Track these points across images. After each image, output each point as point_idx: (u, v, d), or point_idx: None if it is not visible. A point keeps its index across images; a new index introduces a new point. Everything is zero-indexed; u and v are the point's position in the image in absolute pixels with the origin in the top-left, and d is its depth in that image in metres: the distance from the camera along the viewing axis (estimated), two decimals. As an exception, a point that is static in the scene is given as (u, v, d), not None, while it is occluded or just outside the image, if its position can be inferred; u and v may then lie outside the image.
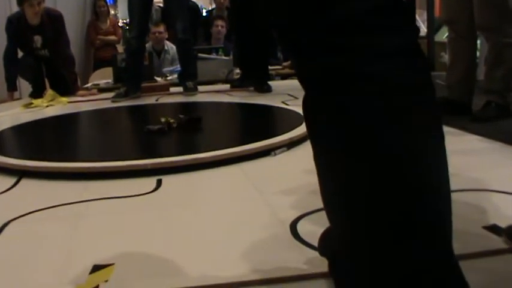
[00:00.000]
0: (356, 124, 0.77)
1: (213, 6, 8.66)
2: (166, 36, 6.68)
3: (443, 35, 5.83)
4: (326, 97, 0.80)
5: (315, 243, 1.28)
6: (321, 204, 1.65)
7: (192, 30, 5.24)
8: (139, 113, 4.33)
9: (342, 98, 0.78)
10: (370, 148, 0.77)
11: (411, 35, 0.81)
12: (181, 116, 3.16)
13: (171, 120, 3.07)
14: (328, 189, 0.87)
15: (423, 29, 5.90)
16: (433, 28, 5.76)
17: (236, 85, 5.19)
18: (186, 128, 3.04)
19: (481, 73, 3.51)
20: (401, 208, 0.77)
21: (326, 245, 1.11)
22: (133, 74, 5.05)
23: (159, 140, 2.93)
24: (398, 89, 0.77)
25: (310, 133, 0.89)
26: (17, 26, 5.24)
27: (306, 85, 0.85)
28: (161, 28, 6.58)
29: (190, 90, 4.98)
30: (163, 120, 3.06)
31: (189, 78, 5.06)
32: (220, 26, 7.20)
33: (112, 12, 9.57)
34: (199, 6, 8.40)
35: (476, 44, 3.49)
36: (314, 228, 1.51)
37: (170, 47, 6.73)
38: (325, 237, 1.13)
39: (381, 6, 0.77)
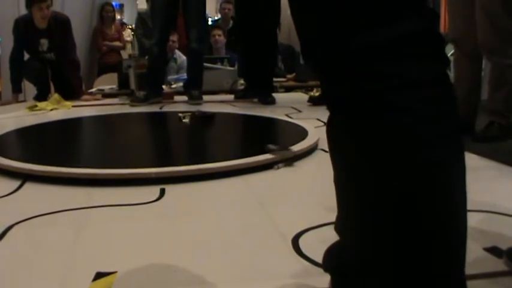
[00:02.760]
0: (383, 151, 0.78)
1: (219, 16, 8.69)
2: (177, 45, 6.70)
3: (448, 52, 5.84)
4: (353, 121, 0.81)
5: (317, 258, 1.29)
6: (323, 219, 1.67)
7: (206, 40, 5.27)
8: (143, 120, 4.34)
9: (369, 124, 0.79)
10: (398, 174, 0.78)
11: (441, 64, 0.82)
12: (196, 112, 3.69)
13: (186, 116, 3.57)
14: (350, 209, 0.88)
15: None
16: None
17: (240, 96, 5.21)
18: (200, 123, 3.57)
19: (485, 92, 3.53)
20: (427, 231, 0.78)
21: (332, 261, 1.12)
22: (154, 80, 5.12)
23: (163, 148, 2.94)
24: (425, 120, 0.77)
25: (332, 153, 0.89)
26: (24, 28, 5.27)
27: (333, 106, 0.86)
28: (174, 37, 6.60)
29: (195, 99, 5.00)
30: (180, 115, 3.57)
31: (194, 87, 5.08)
32: (217, 35, 7.23)
33: (118, 17, 9.59)
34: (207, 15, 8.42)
35: (481, 64, 3.50)
36: (316, 243, 1.51)
37: (178, 55, 6.76)
38: (331, 252, 1.14)
39: (412, 34, 0.78)
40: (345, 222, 0.92)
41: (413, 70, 0.77)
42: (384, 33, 0.77)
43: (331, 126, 0.88)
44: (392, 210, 0.79)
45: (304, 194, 2.14)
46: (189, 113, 3.55)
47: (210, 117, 3.42)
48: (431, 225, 0.78)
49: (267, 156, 2.47)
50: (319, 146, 2.80)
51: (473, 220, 1.76)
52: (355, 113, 0.80)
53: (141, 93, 5.01)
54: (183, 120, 3.61)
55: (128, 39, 9.25)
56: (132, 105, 4.88)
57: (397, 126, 0.77)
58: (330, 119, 0.88)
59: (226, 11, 8.04)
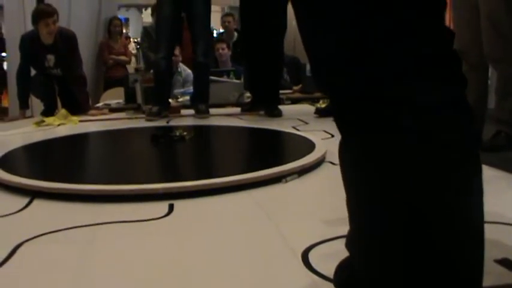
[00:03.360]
0: (397, 177, 0.78)
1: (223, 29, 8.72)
2: (181, 59, 6.71)
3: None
4: (368, 146, 0.81)
5: (328, 273, 1.28)
6: (333, 233, 1.67)
7: (211, 54, 5.29)
8: (151, 135, 4.35)
9: (385, 149, 0.78)
10: (413, 201, 0.77)
11: (459, 84, 0.81)
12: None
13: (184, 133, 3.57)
14: (360, 226, 0.87)
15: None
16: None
17: (246, 109, 5.22)
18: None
19: (491, 101, 3.52)
20: (440, 250, 0.78)
21: (342, 277, 1.12)
22: (164, 94, 5.14)
23: (171, 163, 2.94)
24: (443, 146, 0.77)
25: (345, 175, 0.89)
26: (30, 44, 5.30)
27: (345, 129, 0.86)
28: (177, 51, 6.61)
29: (202, 113, 5.00)
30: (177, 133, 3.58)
31: (201, 100, 5.09)
32: (221, 49, 7.26)
33: (124, 31, 9.63)
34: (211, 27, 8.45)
35: (487, 73, 3.50)
36: (327, 257, 1.51)
37: (183, 69, 6.77)
38: (342, 268, 1.14)
39: (429, 56, 0.77)
40: (354, 239, 0.91)
41: (431, 93, 0.77)
42: (399, 56, 0.76)
43: (344, 150, 0.87)
44: (403, 229, 0.78)
45: (313, 208, 2.14)
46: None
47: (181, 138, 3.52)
48: (445, 245, 0.78)
49: (275, 170, 2.47)
50: (327, 159, 2.79)
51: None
52: (370, 139, 0.80)
53: (153, 108, 5.01)
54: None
55: (133, 52, 9.29)
56: (148, 120, 4.89)
57: (414, 151, 0.77)
58: (342, 142, 0.88)
59: (227, 23, 8.08)
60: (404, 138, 0.77)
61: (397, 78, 0.76)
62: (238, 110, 5.34)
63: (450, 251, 0.78)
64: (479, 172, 0.82)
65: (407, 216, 0.77)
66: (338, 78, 0.81)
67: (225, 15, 8.43)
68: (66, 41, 5.38)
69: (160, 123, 4.75)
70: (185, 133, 3.61)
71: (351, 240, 0.93)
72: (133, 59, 9.21)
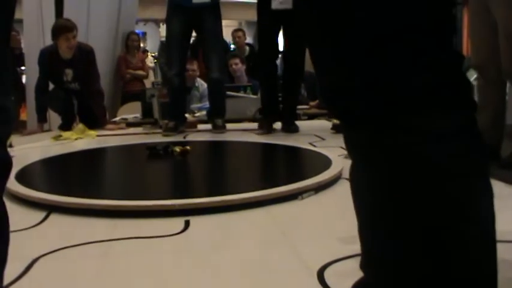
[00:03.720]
0: (411, 205, 0.77)
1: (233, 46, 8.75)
2: (198, 73, 6.73)
3: (471, 78, 5.79)
4: (378, 173, 0.80)
5: (343, 293, 1.27)
6: (349, 251, 1.66)
7: (225, 69, 5.30)
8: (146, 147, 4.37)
9: (394, 176, 0.78)
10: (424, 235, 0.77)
11: (469, 109, 0.80)
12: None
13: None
14: (377, 255, 0.87)
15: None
16: (461, 70, 5.68)
17: (261, 133, 4.97)
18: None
19: (510, 117, 3.50)
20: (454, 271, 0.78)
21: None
22: (179, 109, 5.17)
23: (187, 179, 2.95)
24: (455, 175, 0.76)
25: (357, 200, 0.89)
26: (49, 58, 5.35)
27: (356, 156, 0.85)
28: (194, 66, 6.63)
29: (219, 128, 5.02)
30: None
31: (218, 115, 5.10)
32: (234, 64, 7.25)
33: (141, 45, 9.69)
34: (227, 42, 8.48)
35: (505, 89, 3.48)
36: (342, 276, 1.51)
37: (200, 84, 6.78)
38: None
39: (437, 83, 0.76)
40: (368, 263, 0.91)
41: (440, 121, 0.76)
42: (407, 84, 0.76)
43: (355, 174, 0.87)
44: (419, 256, 0.78)
45: (329, 225, 2.13)
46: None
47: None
48: (459, 265, 0.77)
49: (291, 187, 2.46)
50: (344, 175, 2.78)
51: (499, 251, 1.73)
52: (380, 165, 0.79)
53: (170, 123, 5.02)
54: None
55: (151, 65, 9.33)
56: (165, 135, 4.91)
57: (424, 179, 0.76)
58: (353, 166, 0.87)
59: (237, 39, 8.11)
60: (417, 165, 0.76)
61: (406, 106, 0.76)
62: (254, 125, 5.31)
63: (466, 275, 0.78)
64: (491, 195, 0.81)
65: (423, 244, 0.77)
66: (350, 103, 0.81)
67: (235, 31, 8.46)
68: (84, 56, 5.43)
69: (177, 138, 4.76)
70: (187, 147, 3.67)
71: (364, 264, 0.92)
72: (151, 73, 9.25)
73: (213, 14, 4.95)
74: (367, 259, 0.90)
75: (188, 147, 3.67)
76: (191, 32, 5.08)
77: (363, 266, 0.92)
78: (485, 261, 0.79)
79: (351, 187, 0.89)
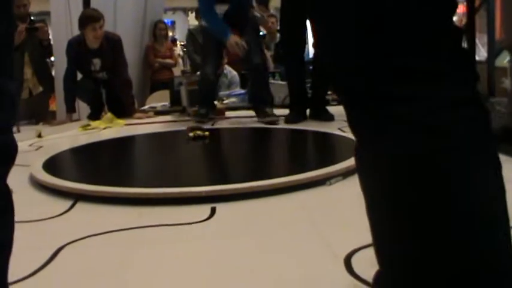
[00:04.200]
0: (412, 179, 0.75)
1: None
2: (226, 60, 6.68)
3: (504, 59, 5.69)
4: (381, 149, 0.78)
5: (370, 279, 1.24)
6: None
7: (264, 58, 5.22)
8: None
9: (399, 150, 0.75)
10: (428, 202, 0.74)
11: (471, 84, 0.78)
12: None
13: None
14: (382, 235, 0.84)
15: (483, 53, 5.77)
16: (494, 52, 5.57)
17: (290, 121, 4.73)
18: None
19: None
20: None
21: (379, 285, 1.07)
22: (210, 99, 5.16)
23: (214, 166, 2.93)
24: (461, 144, 0.74)
25: (361, 181, 0.86)
26: (77, 49, 5.36)
27: (359, 133, 0.83)
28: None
29: (269, 117, 4.69)
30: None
31: (266, 104, 4.88)
32: None
33: (170, 34, 9.68)
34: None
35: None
36: (369, 263, 1.47)
37: (229, 71, 6.75)
38: (379, 276, 1.09)
39: (439, 55, 0.75)
40: (376, 248, 0.88)
41: (441, 91, 0.74)
42: (415, 56, 0.74)
43: (359, 154, 0.85)
44: (424, 237, 0.76)
45: (356, 211, 2.08)
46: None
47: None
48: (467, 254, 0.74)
49: (319, 172, 2.43)
50: (372, 160, 2.73)
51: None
52: (383, 140, 0.77)
53: (201, 110, 5.00)
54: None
55: (180, 54, 9.32)
56: (197, 122, 4.87)
57: (430, 150, 0.73)
58: (356, 145, 0.84)
59: (270, 24, 8.03)
60: (416, 137, 0.74)
61: (410, 75, 0.74)
62: (283, 111, 5.21)
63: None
64: (496, 168, 0.78)
65: (414, 221, 0.76)
66: (351, 81, 0.79)
67: (268, 16, 8.39)
68: (112, 45, 5.44)
69: (206, 125, 4.74)
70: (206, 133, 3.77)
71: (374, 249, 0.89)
72: (180, 61, 9.24)
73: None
74: (373, 242, 0.87)
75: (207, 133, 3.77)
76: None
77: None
78: (485, 238, 0.75)
79: (357, 166, 0.86)
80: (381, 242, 0.85)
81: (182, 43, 12.46)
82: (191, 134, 3.75)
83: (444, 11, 0.77)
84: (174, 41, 10.47)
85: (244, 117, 5.06)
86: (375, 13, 0.74)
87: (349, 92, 0.82)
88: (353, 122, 0.84)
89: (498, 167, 0.78)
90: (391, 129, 0.75)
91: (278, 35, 7.70)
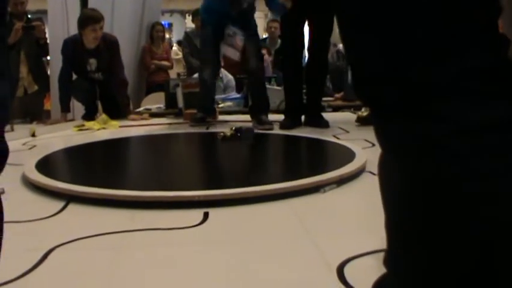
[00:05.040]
0: (436, 201, 0.72)
1: (267, 34, 8.63)
2: (222, 64, 6.67)
3: None
4: (407, 166, 0.75)
5: (363, 289, 1.23)
6: (370, 247, 1.62)
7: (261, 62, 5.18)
8: (189, 141, 4.34)
9: (425, 171, 0.73)
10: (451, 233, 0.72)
11: (507, 105, 0.72)
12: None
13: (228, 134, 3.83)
14: (397, 245, 0.83)
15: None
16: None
17: (285, 127, 4.72)
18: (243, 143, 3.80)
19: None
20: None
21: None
22: (209, 103, 5.15)
23: (208, 170, 2.92)
24: (490, 173, 0.70)
25: (383, 192, 0.84)
26: (73, 48, 5.36)
27: (386, 147, 0.81)
28: None
29: (264, 124, 4.67)
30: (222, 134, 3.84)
31: (262, 111, 4.88)
32: None
33: (167, 36, 9.66)
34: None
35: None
36: (362, 272, 1.46)
37: (224, 74, 6.74)
38: (379, 285, 1.08)
39: (478, 70, 0.71)
40: (391, 257, 0.86)
41: (479, 112, 0.70)
42: (445, 69, 0.70)
43: (384, 165, 0.82)
44: (442, 250, 0.73)
45: (351, 219, 2.09)
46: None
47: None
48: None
49: (313, 180, 2.42)
50: (367, 169, 2.72)
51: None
52: (409, 157, 0.75)
53: (198, 114, 5.00)
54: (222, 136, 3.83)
55: (177, 57, 9.29)
56: (192, 126, 4.91)
57: (457, 178, 0.71)
58: (381, 157, 0.83)
59: (273, 29, 8.03)
60: (445, 162, 0.71)
61: (444, 94, 0.70)
62: (278, 117, 5.20)
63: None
64: None
65: (447, 245, 0.73)
66: (382, 92, 0.76)
67: (271, 21, 8.39)
68: (109, 46, 5.45)
69: (201, 129, 4.73)
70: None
71: (388, 260, 0.87)
72: (180, 63, 9.22)
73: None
74: (391, 255, 0.85)
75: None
76: (223, 32, 5.01)
77: (386, 262, 0.88)
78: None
79: (379, 179, 0.84)
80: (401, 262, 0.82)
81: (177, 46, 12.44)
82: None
83: (488, 24, 0.73)
84: (171, 46, 10.45)
85: (240, 122, 5.03)
86: (411, 25, 0.72)
87: (379, 104, 0.79)
88: (380, 134, 0.81)
89: None
90: (416, 149, 0.73)
91: (279, 40, 7.71)
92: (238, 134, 3.83)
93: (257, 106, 4.95)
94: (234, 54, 4.85)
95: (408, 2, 0.72)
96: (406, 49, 0.72)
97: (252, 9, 4.88)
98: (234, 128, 3.90)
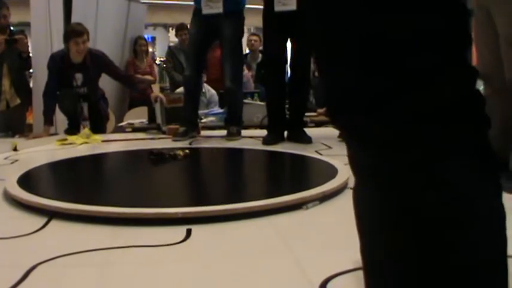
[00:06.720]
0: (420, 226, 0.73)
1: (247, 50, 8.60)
2: (205, 79, 6.68)
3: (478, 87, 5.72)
4: (386, 194, 0.76)
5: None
6: (353, 264, 1.62)
7: (241, 78, 5.23)
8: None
9: (405, 199, 0.74)
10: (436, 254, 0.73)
11: (482, 130, 0.76)
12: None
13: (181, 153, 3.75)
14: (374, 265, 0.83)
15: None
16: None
17: (268, 142, 4.68)
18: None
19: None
20: None
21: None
22: (191, 113, 5.15)
23: (191, 186, 2.91)
24: (465, 196, 0.72)
25: (359, 221, 0.85)
26: (60, 63, 5.39)
27: (362, 175, 0.81)
28: None
29: (232, 135, 4.97)
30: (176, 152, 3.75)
31: (232, 123, 5.09)
32: None
33: (150, 50, 9.67)
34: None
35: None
36: (344, 290, 1.47)
37: (207, 89, 6.75)
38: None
39: (451, 100, 0.72)
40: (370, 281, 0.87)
41: (452, 137, 0.72)
42: (419, 102, 0.71)
43: (360, 194, 0.83)
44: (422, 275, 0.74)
45: (333, 236, 2.09)
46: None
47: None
48: None
49: (296, 196, 2.43)
50: (349, 185, 2.74)
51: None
52: (387, 186, 0.75)
53: (180, 128, 5.02)
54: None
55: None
56: (174, 140, 4.91)
57: (440, 203, 0.72)
58: (357, 186, 0.83)
59: (253, 42, 8.04)
60: (425, 185, 0.72)
61: (416, 124, 0.71)
62: (261, 132, 5.21)
63: None
64: (502, 218, 0.78)
65: (428, 270, 0.73)
66: (357, 122, 0.76)
67: (251, 35, 8.41)
68: (97, 61, 5.55)
69: (184, 143, 4.73)
70: (181, 153, 3.75)
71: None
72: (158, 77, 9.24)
73: (231, 23, 4.89)
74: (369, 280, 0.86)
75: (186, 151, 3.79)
76: (209, 39, 5.05)
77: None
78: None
79: (355, 208, 0.85)
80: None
81: (162, 59, 12.44)
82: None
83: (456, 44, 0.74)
84: (154, 60, 10.47)
85: (222, 137, 5.05)
86: (387, 48, 0.72)
87: (355, 134, 0.79)
88: (355, 162, 0.82)
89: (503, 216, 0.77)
90: (395, 177, 0.74)
91: (260, 55, 7.72)
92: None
93: (230, 119, 5.17)
94: None
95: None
96: (382, 79, 0.72)
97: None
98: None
